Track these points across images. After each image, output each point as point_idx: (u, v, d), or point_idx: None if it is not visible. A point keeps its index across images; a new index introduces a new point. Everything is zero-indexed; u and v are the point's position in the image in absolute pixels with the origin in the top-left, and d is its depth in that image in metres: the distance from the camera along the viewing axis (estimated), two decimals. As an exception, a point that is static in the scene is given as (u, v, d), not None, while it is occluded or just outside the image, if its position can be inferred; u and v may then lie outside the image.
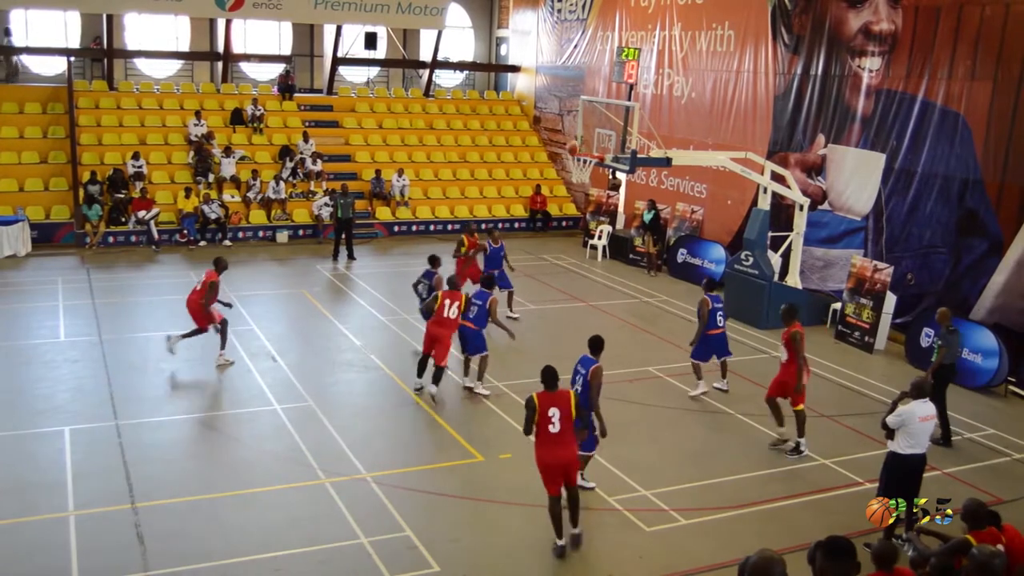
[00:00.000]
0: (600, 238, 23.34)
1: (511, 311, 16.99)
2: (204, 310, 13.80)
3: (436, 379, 13.03)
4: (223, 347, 14.21)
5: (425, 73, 30.38)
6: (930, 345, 15.29)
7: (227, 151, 24.15)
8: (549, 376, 8.89)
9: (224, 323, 14.11)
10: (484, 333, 13.37)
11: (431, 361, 13.08)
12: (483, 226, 23.37)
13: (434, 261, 14.85)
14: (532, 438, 8.95)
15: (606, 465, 11.04)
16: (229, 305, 14.66)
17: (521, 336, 16.08)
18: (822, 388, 14.41)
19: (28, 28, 26.72)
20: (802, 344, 11.44)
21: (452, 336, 13.14)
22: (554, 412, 8.69)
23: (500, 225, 25.22)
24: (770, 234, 18.06)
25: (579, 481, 10.15)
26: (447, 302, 12.96)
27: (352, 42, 28.78)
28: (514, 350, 15.28)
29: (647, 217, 21.77)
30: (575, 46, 27.47)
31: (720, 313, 13.51)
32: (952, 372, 12.45)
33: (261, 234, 23.43)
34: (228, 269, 14.37)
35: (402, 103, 29.25)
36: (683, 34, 22.78)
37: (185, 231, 22.33)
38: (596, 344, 10.21)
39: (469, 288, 15.23)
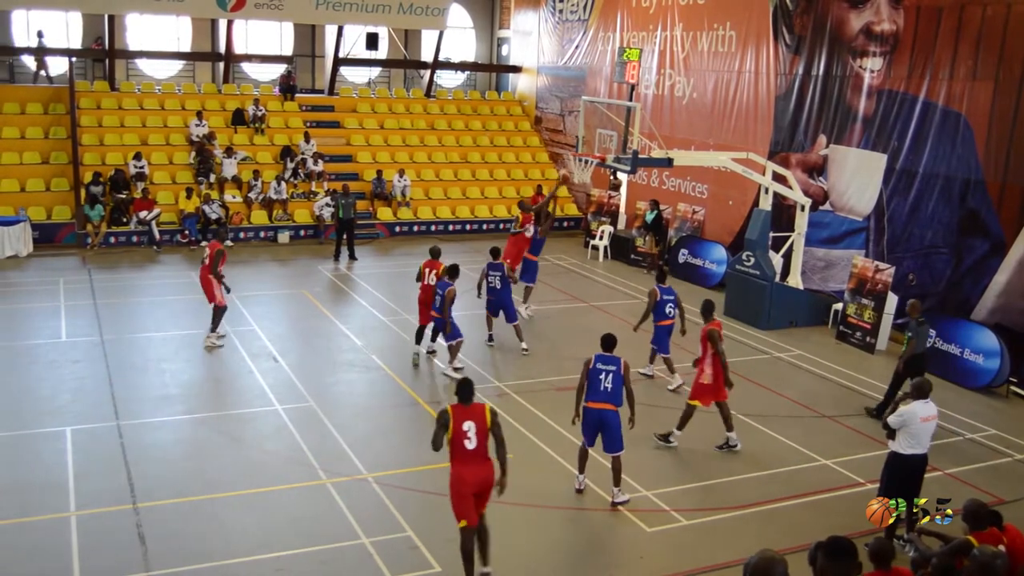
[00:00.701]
0: (601, 238, 23.34)
1: (524, 310, 17.17)
2: (215, 282, 14.61)
3: (434, 336, 14.43)
4: (213, 329, 14.86)
5: (426, 73, 30.39)
6: (931, 346, 15.35)
7: (228, 152, 24.16)
8: (465, 390, 8.33)
9: (222, 309, 14.81)
10: (456, 322, 14.02)
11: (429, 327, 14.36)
12: (484, 227, 23.35)
13: (496, 253, 15.61)
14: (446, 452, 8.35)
15: (606, 465, 11.03)
16: (228, 289, 14.99)
17: (523, 336, 16.12)
18: (823, 388, 14.42)
19: (29, 28, 26.74)
20: (719, 340, 11.49)
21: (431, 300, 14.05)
22: (470, 426, 8.14)
23: (501, 226, 25.27)
24: (771, 234, 18.05)
25: (617, 497, 10.15)
26: (427, 270, 14.45)
27: (353, 42, 28.79)
28: (515, 351, 15.28)
29: (649, 217, 21.78)
30: (576, 46, 27.48)
31: (670, 305, 13.76)
32: (924, 361, 12.68)
33: (262, 234, 23.44)
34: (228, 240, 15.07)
35: (403, 103, 29.26)
36: (684, 34, 22.78)
37: (186, 231, 22.34)
38: (611, 342, 10.24)
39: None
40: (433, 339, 14.63)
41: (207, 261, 14.72)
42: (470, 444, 8.13)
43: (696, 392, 11.72)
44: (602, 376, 9.92)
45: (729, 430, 11.77)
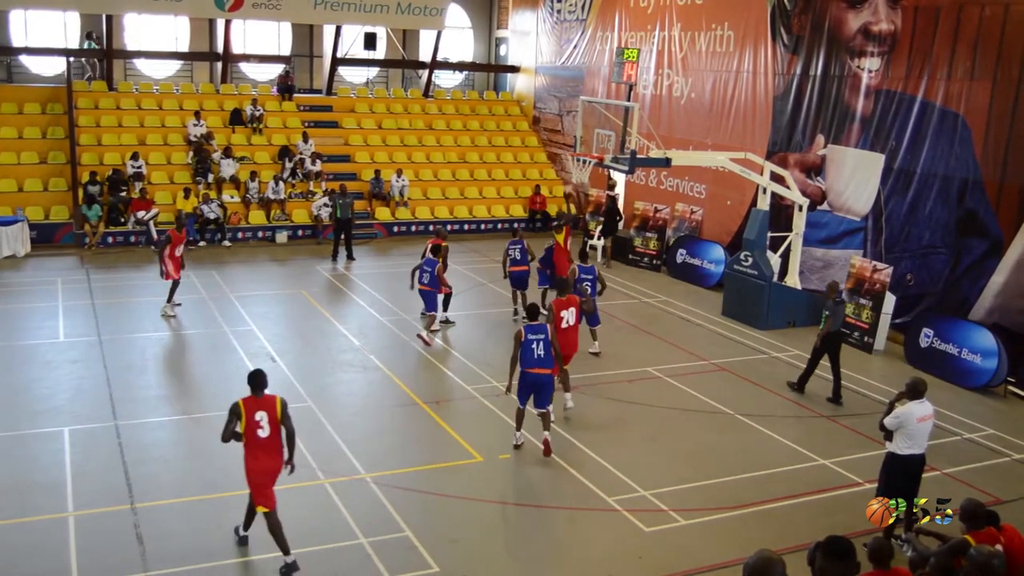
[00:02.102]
0: (600, 238, 23.33)
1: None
2: (166, 260, 16.23)
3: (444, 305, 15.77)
4: (169, 300, 16.47)
5: (424, 73, 30.38)
6: (929, 346, 15.38)
7: (226, 152, 24.14)
8: (255, 380, 8.56)
9: (176, 282, 16.42)
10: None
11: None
12: (480, 227, 23.37)
13: (516, 232, 16.89)
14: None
15: (606, 465, 11.05)
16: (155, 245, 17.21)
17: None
18: (821, 388, 14.42)
19: (27, 28, 26.71)
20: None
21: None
22: (262, 416, 8.42)
23: (499, 225, 25.31)
24: (769, 234, 18.06)
25: (519, 439, 11.40)
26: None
27: (351, 42, 28.77)
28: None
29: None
30: (574, 46, 27.48)
31: (588, 282, 14.75)
32: (840, 336, 13.92)
33: (260, 234, 23.43)
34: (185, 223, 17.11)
35: (401, 103, 29.25)
36: (682, 34, 22.79)
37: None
38: (535, 311, 11.54)
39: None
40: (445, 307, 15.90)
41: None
42: (263, 433, 8.44)
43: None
44: (534, 345, 10.97)
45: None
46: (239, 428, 8.44)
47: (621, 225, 23.98)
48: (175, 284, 16.56)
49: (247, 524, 8.91)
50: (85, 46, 26.52)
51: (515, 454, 11.36)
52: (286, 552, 8.55)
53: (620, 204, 24.37)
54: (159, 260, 16.72)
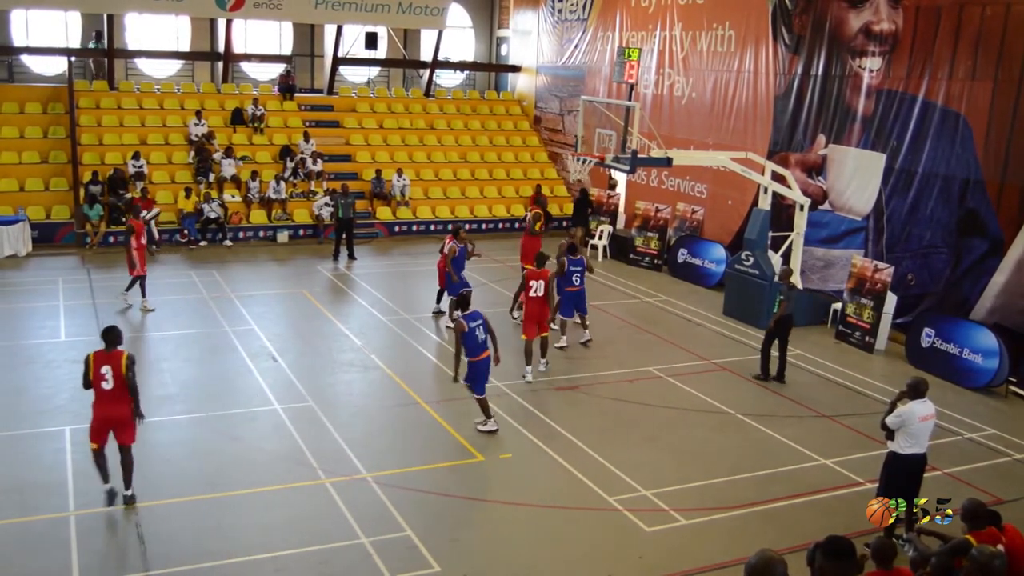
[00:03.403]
0: (600, 238, 23.34)
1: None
2: (132, 252, 16.57)
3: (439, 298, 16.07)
4: (126, 289, 16.92)
5: (425, 73, 30.38)
6: (931, 345, 15.38)
7: (227, 152, 24.15)
8: (109, 336, 9.43)
9: (141, 278, 16.69)
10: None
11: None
12: (482, 226, 23.43)
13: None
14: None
15: (606, 465, 11.05)
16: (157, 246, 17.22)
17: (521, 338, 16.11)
18: (822, 388, 14.43)
19: (28, 28, 26.73)
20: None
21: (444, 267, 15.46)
22: (107, 370, 9.25)
23: (500, 225, 25.36)
24: (771, 234, 18.06)
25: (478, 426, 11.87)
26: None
27: (353, 42, 28.78)
28: (514, 350, 15.27)
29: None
30: (576, 46, 27.47)
31: (577, 274, 15.27)
32: (790, 321, 14.29)
33: (262, 234, 23.43)
34: (144, 213, 17.65)
35: (402, 103, 29.25)
36: (684, 34, 22.78)
37: (185, 231, 22.34)
38: (467, 301, 11.98)
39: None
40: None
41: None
42: (106, 385, 9.29)
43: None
44: (477, 332, 11.59)
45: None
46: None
47: (622, 224, 24.03)
48: (142, 280, 16.88)
49: (103, 475, 9.52)
50: (91, 46, 26.54)
51: (515, 454, 11.36)
52: (105, 480, 9.50)
53: (621, 204, 24.41)
54: (127, 254, 16.83)
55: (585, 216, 23.56)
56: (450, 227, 17.96)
